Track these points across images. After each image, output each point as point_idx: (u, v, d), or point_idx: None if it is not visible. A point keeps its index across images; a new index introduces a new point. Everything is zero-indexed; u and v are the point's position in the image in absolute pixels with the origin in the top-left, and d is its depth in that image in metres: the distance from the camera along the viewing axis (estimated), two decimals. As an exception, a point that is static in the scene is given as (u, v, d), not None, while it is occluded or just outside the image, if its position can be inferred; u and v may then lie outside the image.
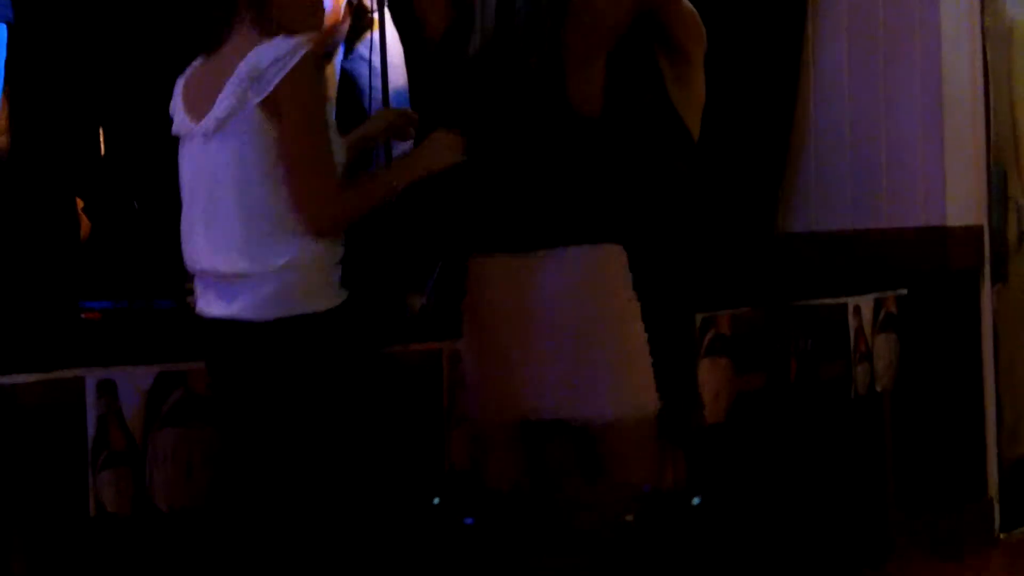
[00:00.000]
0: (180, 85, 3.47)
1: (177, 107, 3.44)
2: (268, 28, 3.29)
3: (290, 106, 3.21)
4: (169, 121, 3.50)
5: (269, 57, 3.21)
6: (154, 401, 3.71)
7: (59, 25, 5.10)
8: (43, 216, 4.15)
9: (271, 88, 3.20)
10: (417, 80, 5.19)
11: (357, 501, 3.28)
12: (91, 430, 3.61)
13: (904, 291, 5.62)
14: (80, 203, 4.88)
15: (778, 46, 6.02)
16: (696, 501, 3.86)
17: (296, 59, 3.20)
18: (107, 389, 3.65)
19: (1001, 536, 5.82)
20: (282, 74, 3.19)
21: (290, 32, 3.28)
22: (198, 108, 3.34)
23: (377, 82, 5.00)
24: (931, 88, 5.75)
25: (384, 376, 3.41)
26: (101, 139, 5.24)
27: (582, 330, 3.58)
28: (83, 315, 4.32)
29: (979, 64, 5.86)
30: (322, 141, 3.25)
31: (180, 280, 4.83)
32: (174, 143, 3.49)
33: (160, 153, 4.96)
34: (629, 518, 3.51)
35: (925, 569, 5.51)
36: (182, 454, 3.74)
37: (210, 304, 3.38)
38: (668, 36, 3.77)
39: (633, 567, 3.47)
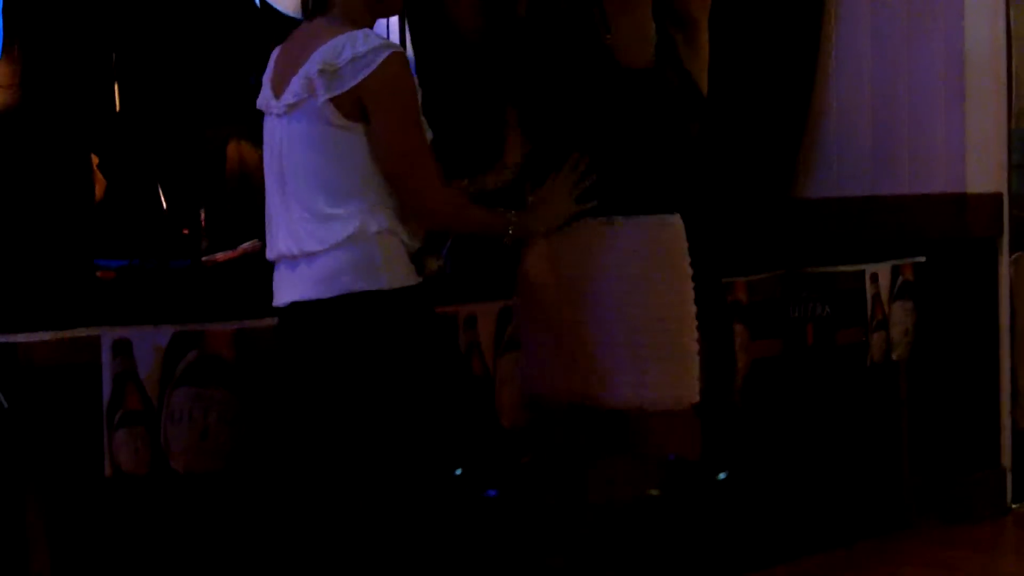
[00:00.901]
0: (275, 54, 3.46)
1: (267, 78, 3.44)
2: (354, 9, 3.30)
3: (386, 105, 3.21)
4: (185, 77, 3.48)
5: (347, 55, 3.20)
6: (170, 361, 3.69)
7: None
8: (57, 173, 4.13)
9: (347, 88, 3.19)
10: (455, 80, 5.11)
11: (414, 474, 3.28)
12: (106, 390, 3.60)
13: (922, 258, 5.59)
14: (95, 160, 4.86)
15: (799, 9, 5.97)
16: (723, 476, 3.85)
17: (380, 59, 3.18)
18: (123, 348, 3.63)
19: (1013, 506, 5.81)
20: (363, 75, 3.18)
21: (374, 13, 3.32)
22: (279, 85, 3.35)
23: None
24: (953, 53, 5.70)
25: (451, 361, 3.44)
26: (116, 95, 5.21)
27: (641, 312, 3.51)
28: (98, 274, 4.31)
29: (1001, 29, 5.80)
30: (421, 135, 3.27)
31: (196, 239, 4.83)
32: (191, 100, 3.47)
33: (176, 111, 4.96)
34: (655, 492, 3.50)
35: (937, 536, 5.50)
36: (198, 415, 3.73)
37: (282, 290, 3.38)
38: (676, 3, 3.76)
39: (654, 537, 3.46)
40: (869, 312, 5.37)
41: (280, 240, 3.34)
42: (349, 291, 3.23)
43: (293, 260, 3.31)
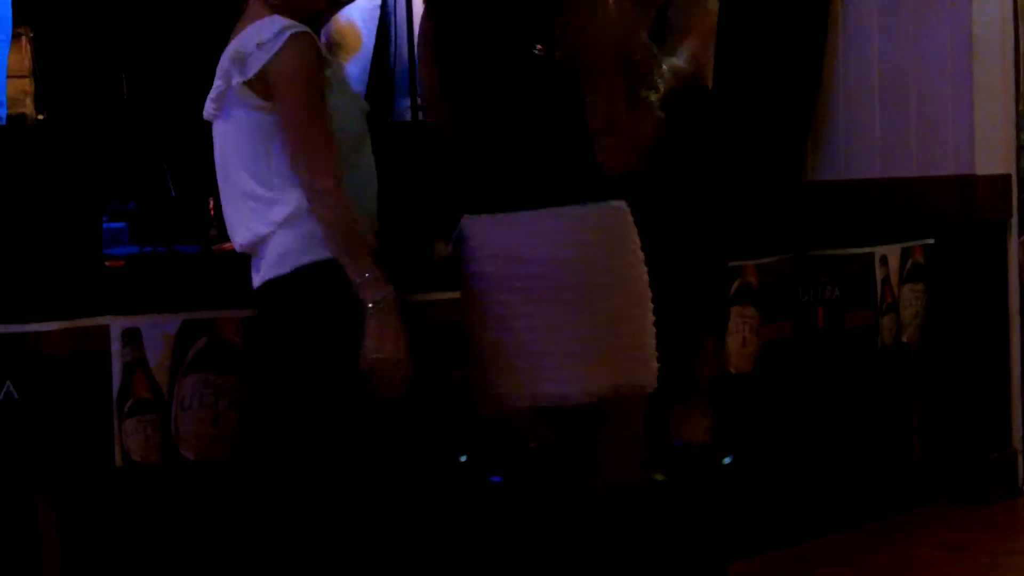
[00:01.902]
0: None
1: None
2: (273, 4, 3.29)
3: (283, 87, 3.22)
4: (189, 67, 3.50)
5: (252, 42, 3.23)
6: (179, 348, 3.70)
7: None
8: (66, 163, 4.13)
9: (254, 72, 3.23)
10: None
11: (382, 455, 3.27)
12: (116, 378, 3.60)
13: (931, 240, 5.58)
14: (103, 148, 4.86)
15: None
16: (727, 460, 3.84)
17: (280, 42, 3.21)
18: (132, 337, 3.64)
19: (1024, 487, 5.82)
20: (265, 58, 3.21)
21: (295, 8, 3.29)
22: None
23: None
24: (961, 36, 5.69)
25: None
26: (124, 83, 5.21)
27: (588, 297, 3.32)
28: (107, 263, 4.31)
29: (1009, 11, 5.79)
30: (316, 116, 3.25)
31: (204, 226, 4.83)
32: (196, 87, 3.49)
33: (183, 97, 4.95)
34: (660, 477, 3.49)
35: (948, 518, 5.51)
36: (208, 401, 3.73)
37: (253, 277, 3.39)
38: None
39: (661, 521, 3.45)
40: (879, 295, 5.36)
41: (238, 234, 3.36)
42: (298, 266, 3.25)
43: (253, 247, 3.33)
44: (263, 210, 3.27)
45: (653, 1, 3.74)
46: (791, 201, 5.95)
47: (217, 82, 3.31)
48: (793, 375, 5.19)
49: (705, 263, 3.81)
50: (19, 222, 3.95)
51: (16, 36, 5.21)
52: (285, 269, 3.26)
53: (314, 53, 3.28)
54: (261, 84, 3.23)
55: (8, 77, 5.17)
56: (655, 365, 3.38)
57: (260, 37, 3.23)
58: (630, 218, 3.40)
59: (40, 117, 5.21)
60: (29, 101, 5.24)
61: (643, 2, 3.72)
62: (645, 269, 3.39)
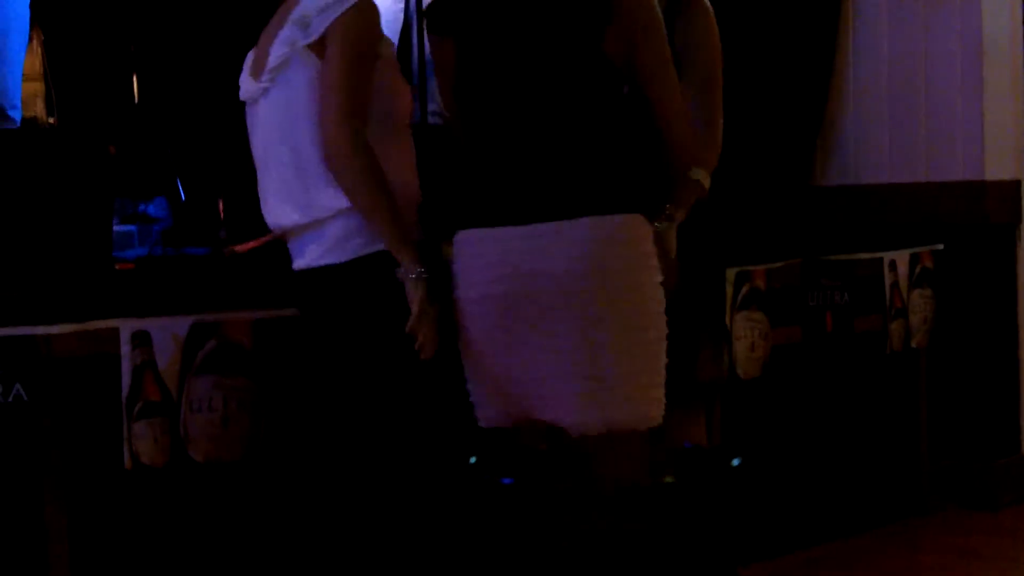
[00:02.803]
0: (249, 57, 3.50)
1: (244, 75, 3.47)
2: None
3: (333, 48, 3.21)
4: (201, 68, 3.51)
5: (316, 5, 3.23)
6: (189, 351, 3.70)
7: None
8: (78, 165, 4.14)
9: (317, 35, 3.22)
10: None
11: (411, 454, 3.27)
12: (126, 381, 3.61)
13: (940, 246, 5.57)
14: (112, 150, 4.87)
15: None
16: (736, 462, 3.84)
17: (345, 6, 3.21)
18: (141, 339, 3.64)
19: (1033, 492, 5.81)
20: (327, 21, 3.21)
21: None
22: (258, 67, 3.38)
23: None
24: (970, 41, 5.69)
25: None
26: (135, 86, 5.22)
27: (589, 323, 3.10)
28: (117, 265, 4.32)
29: (1019, 16, 5.79)
30: (354, 79, 3.21)
31: (214, 227, 4.84)
32: (207, 90, 3.49)
33: (193, 100, 4.96)
34: (669, 479, 3.48)
35: (957, 523, 5.50)
36: (217, 403, 3.74)
37: (294, 258, 3.39)
38: None
39: (669, 523, 3.45)
40: (888, 300, 5.35)
41: (283, 213, 3.34)
42: (360, 254, 3.24)
43: (301, 228, 3.32)
44: (319, 188, 3.25)
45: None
46: (800, 206, 5.95)
47: (277, 50, 3.29)
48: (802, 380, 5.19)
49: (702, 266, 3.79)
50: (29, 224, 3.96)
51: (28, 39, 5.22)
52: (344, 256, 3.25)
53: (375, 22, 3.27)
54: (319, 49, 3.23)
55: (20, 80, 5.19)
56: (662, 397, 3.17)
57: (325, 1, 3.23)
58: (649, 233, 3.19)
59: (51, 120, 5.22)
60: (40, 104, 5.25)
61: None
62: (662, 294, 3.17)
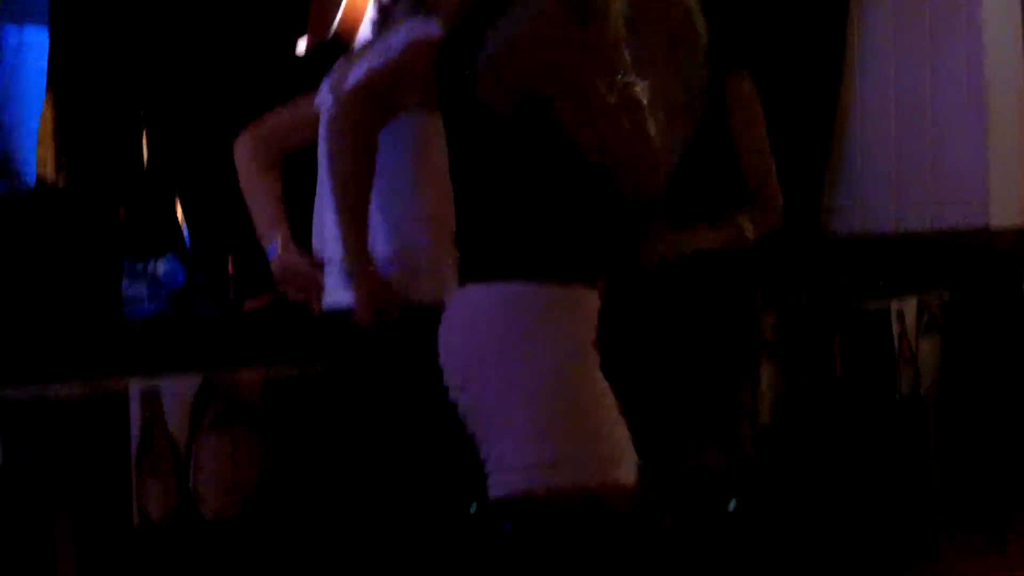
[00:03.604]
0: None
1: (322, 90, 3.43)
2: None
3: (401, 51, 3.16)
4: (210, 129, 3.53)
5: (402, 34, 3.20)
6: (198, 409, 3.71)
7: (99, 31, 5.12)
8: (85, 225, 4.17)
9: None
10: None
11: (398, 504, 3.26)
12: (135, 439, 3.62)
13: (947, 293, 5.58)
14: (122, 211, 4.90)
15: (822, 45, 6.00)
16: (732, 506, 3.83)
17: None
18: (150, 397, 3.65)
19: (1046, 536, 5.79)
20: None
21: None
22: (339, 87, 3.32)
23: None
24: (975, 92, 5.73)
25: None
26: (144, 148, 5.26)
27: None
28: (126, 324, 4.33)
29: (1022, 63, 5.82)
30: (388, 80, 3.15)
31: (223, 286, 4.86)
32: (216, 150, 3.52)
33: (202, 160, 4.99)
34: (666, 522, 3.46)
35: (969, 568, 5.48)
36: (226, 461, 3.75)
37: (333, 293, 3.30)
38: None
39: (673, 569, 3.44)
40: (897, 347, 5.36)
41: (327, 244, 3.31)
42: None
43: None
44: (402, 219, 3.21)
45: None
46: (807, 254, 5.96)
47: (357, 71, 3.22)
48: (812, 428, 5.19)
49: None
50: (39, 284, 3.98)
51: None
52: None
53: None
54: None
55: (30, 141, 5.23)
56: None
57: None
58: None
59: (60, 181, 5.26)
60: (50, 165, 5.29)
61: None
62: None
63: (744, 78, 3.96)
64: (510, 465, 2.89)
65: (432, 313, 3.00)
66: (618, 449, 2.92)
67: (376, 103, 3.13)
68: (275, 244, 3.29)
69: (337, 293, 3.28)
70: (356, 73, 3.20)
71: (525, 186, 2.94)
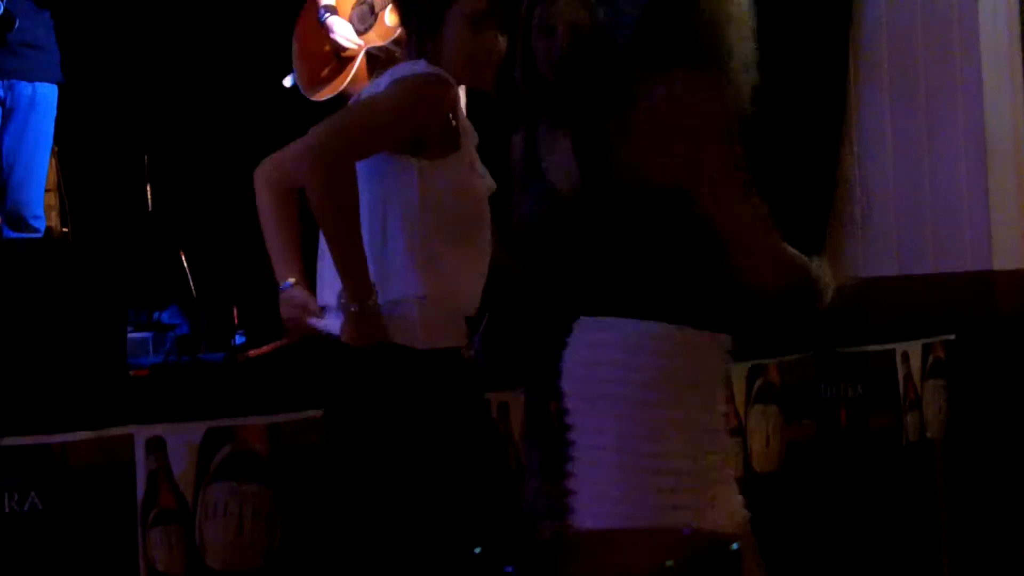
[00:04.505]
0: None
1: None
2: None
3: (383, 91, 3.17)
4: (214, 176, 3.53)
5: (386, 80, 3.19)
6: (204, 457, 3.70)
7: (106, 84, 5.15)
8: (90, 275, 4.18)
9: (380, 89, 3.18)
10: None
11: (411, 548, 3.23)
12: (140, 488, 3.61)
13: (952, 336, 5.58)
14: (126, 259, 4.92)
15: (822, 94, 6.01)
16: (735, 547, 3.80)
17: (414, 71, 3.16)
18: (156, 446, 3.65)
19: (1056, 582, 5.76)
20: (392, 78, 3.16)
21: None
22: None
23: None
24: (974, 133, 5.74)
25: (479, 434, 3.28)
26: (148, 196, 5.28)
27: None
28: (132, 372, 4.34)
29: (1022, 109, 5.84)
30: (380, 119, 3.14)
31: (228, 333, 4.87)
32: (220, 198, 3.52)
33: (207, 208, 5.01)
34: (670, 563, 3.43)
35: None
36: (233, 510, 3.73)
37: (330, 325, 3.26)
38: None
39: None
40: (902, 391, 5.35)
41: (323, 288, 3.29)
42: (433, 346, 3.17)
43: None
44: (398, 272, 3.15)
45: None
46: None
47: None
48: (818, 474, 5.17)
49: None
50: (44, 333, 3.98)
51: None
52: (418, 343, 3.14)
53: (442, 98, 3.14)
54: None
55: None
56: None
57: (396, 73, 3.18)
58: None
59: (65, 230, 5.28)
60: (55, 215, 5.31)
61: None
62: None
63: None
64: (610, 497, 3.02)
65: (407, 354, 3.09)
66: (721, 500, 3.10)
67: (354, 134, 3.12)
68: (288, 282, 3.27)
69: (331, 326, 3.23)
70: (342, 112, 3.23)
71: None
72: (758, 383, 4.86)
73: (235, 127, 5.29)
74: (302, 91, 5.04)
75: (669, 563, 3.31)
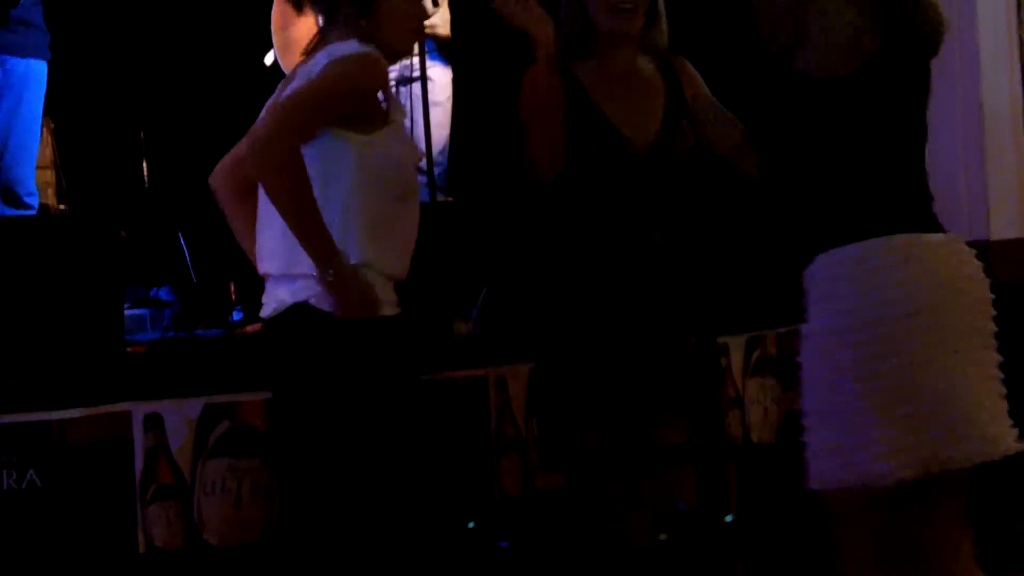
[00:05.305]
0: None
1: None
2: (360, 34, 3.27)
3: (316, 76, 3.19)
4: (210, 150, 3.53)
5: (324, 55, 3.22)
6: (202, 433, 3.71)
7: (102, 61, 5.15)
8: (87, 251, 4.17)
9: (315, 75, 3.19)
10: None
11: (389, 524, 3.23)
12: (139, 464, 3.62)
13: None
14: (123, 235, 4.91)
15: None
16: (729, 518, 3.82)
17: (346, 52, 3.19)
18: (154, 422, 3.66)
19: (1057, 554, 5.76)
20: (325, 60, 3.20)
21: (384, 47, 3.26)
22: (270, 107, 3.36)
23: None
24: (971, 104, 5.71)
25: (416, 401, 3.32)
26: (145, 172, 5.28)
27: None
28: (129, 348, 4.34)
29: (1019, 77, 5.82)
30: (318, 102, 3.19)
31: (226, 309, 4.87)
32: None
33: (203, 183, 5.01)
34: (663, 537, 3.45)
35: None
36: (231, 485, 3.74)
37: (265, 305, 3.33)
38: None
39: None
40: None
41: (261, 260, 3.34)
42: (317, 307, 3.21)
43: (268, 278, 3.31)
44: (288, 254, 3.18)
45: None
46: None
47: None
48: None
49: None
50: (41, 310, 3.98)
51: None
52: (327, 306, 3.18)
53: (373, 77, 3.23)
54: None
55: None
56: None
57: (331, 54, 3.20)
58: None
59: (62, 207, 5.27)
60: (51, 192, 5.31)
61: None
62: None
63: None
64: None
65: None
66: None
67: (297, 121, 3.17)
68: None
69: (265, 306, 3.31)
70: (284, 93, 3.26)
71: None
72: (756, 354, 4.86)
73: (231, 103, 5.28)
74: (282, 68, 5.06)
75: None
